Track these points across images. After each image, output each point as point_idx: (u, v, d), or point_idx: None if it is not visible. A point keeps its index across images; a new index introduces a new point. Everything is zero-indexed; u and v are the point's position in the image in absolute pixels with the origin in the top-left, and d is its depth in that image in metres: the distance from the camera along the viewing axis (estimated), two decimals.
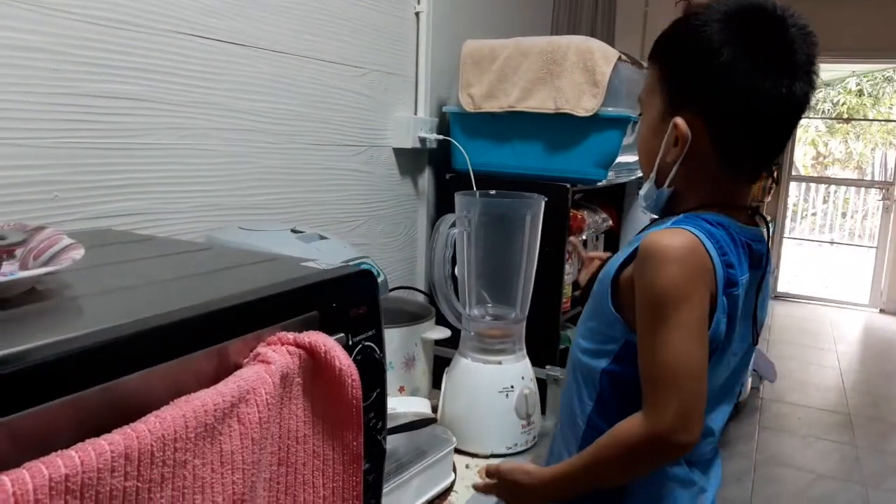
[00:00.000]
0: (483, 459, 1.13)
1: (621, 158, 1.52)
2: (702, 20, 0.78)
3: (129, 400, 0.45)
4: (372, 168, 1.55)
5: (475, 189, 1.54)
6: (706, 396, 0.75)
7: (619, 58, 1.47)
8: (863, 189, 8.50)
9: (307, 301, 0.60)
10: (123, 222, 0.98)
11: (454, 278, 1.16)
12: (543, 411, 1.24)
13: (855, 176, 10.58)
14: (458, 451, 1.11)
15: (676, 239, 0.75)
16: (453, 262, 1.15)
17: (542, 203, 1.16)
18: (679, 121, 0.80)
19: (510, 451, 1.15)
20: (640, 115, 0.91)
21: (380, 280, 1.00)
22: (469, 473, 1.10)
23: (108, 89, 0.95)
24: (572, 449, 0.87)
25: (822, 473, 2.84)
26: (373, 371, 0.66)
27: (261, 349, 0.53)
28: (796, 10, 0.79)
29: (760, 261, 0.83)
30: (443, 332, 1.23)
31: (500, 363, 1.15)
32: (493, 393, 1.13)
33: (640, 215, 1.97)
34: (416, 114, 1.66)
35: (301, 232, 1.00)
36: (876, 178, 9.78)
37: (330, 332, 0.61)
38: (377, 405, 0.68)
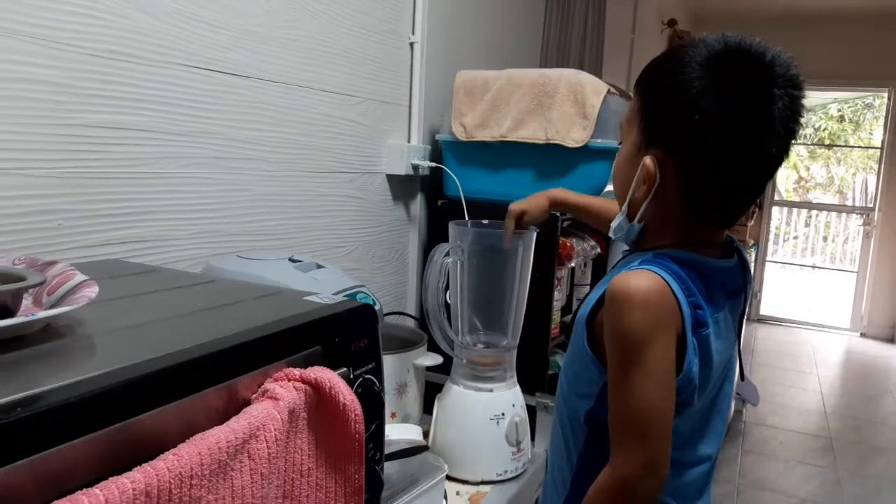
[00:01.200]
0: (473, 486, 1.15)
1: (609, 188, 1.56)
2: (685, 60, 0.77)
3: (144, 437, 0.46)
4: (366, 194, 1.57)
5: (467, 216, 1.57)
6: (670, 439, 0.75)
7: (609, 91, 1.52)
8: (844, 214, 8.64)
9: (311, 336, 0.62)
10: (125, 250, 0.99)
11: (447, 306, 1.18)
12: (533, 438, 1.26)
13: (836, 200, 10.75)
14: (448, 477, 1.12)
15: (642, 282, 0.75)
16: (446, 289, 1.17)
17: (534, 235, 1.19)
18: (648, 161, 0.79)
19: (500, 478, 1.16)
20: (620, 143, 0.93)
21: (376, 309, 1.03)
22: (460, 501, 1.12)
23: (111, 120, 0.97)
24: (562, 490, 0.89)
25: (803, 498, 2.87)
26: (372, 404, 0.68)
27: (268, 385, 0.55)
28: (784, 53, 0.77)
29: (738, 288, 0.86)
30: (435, 359, 1.25)
31: (491, 391, 1.17)
32: (485, 420, 1.15)
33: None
34: (409, 141, 1.69)
35: (299, 261, 1.02)
36: (856, 203, 9.95)
37: (333, 367, 0.63)
38: (376, 437, 0.70)
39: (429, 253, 1.82)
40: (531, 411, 1.26)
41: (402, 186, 1.70)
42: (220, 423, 0.50)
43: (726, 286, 0.83)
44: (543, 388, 1.58)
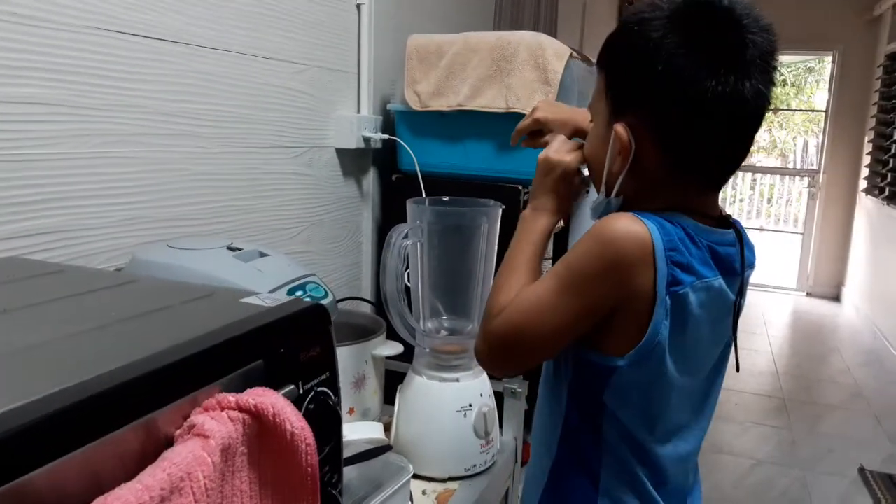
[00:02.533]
0: (440, 483, 1.07)
1: None
2: (646, 17, 0.73)
3: (39, 498, 0.36)
4: (314, 171, 1.45)
5: (424, 192, 1.47)
6: (525, 357, 0.80)
7: (571, 54, 1.43)
8: (787, 176, 8.83)
9: (251, 350, 0.52)
10: (33, 243, 0.86)
11: (407, 291, 1.09)
12: (501, 426, 1.18)
13: (779, 163, 11.00)
14: (414, 476, 1.04)
15: (622, 224, 0.71)
16: (406, 273, 1.08)
17: (499, 210, 1.10)
18: (619, 128, 0.74)
19: (469, 473, 1.09)
20: (591, 122, 0.86)
21: (328, 301, 0.93)
22: (426, 500, 1.04)
23: (13, 94, 0.83)
24: (546, 461, 0.83)
25: (760, 459, 2.90)
26: (327, 421, 0.59)
27: (196, 418, 0.44)
28: (750, 2, 0.73)
29: (734, 266, 0.79)
30: (395, 348, 1.16)
31: (457, 380, 1.09)
32: (451, 413, 1.07)
33: (589, 212, 1.95)
34: (359, 112, 1.58)
35: (238, 249, 0.91)
36: (798, 165, 10.18)
37: (278, 384, 0.53)
38: (332, 458, 0.61)
39: (384, 232, 1.72)
40: (498, 399, 1.18)
41: (352, 161, 1.58)
42: (138, 470, 0.40)
43: (720, 257, 0.76)
44: None
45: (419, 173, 1.49)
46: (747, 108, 0.72)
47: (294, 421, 0.48)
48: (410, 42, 1.51)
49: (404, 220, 1.65)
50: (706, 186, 0.79)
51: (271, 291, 0.85)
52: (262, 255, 0.93)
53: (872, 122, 4.96)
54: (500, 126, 1.44)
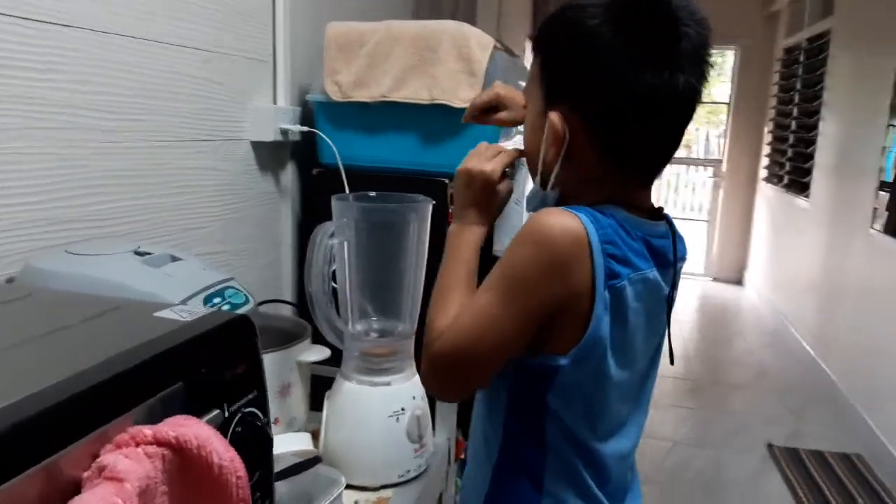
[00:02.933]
0: (373, 493, 1.03)
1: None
2: (583, 4, 0.72)
3: None
4: (228, 165, 1.37)
5: (347, 186, 1.41)
6: (471, 376, 0.75)
7: (495, 45, 1.40)
8: (692, 166, 9.21)
9: (168, 372, 0.46)
10: None
11: (333, 292, 1.03)
12: (433, 428, 1.15)
13: (683, 153, 11.46)
14: (346, 486, 0.99)
15: (556, 220, 0.69)
16: (332, 274, 1.02)
17: (429, 206, 1.06)
18: (553, 115, 0.73)
19: (403, 479, 1.05)
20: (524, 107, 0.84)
21: (249, 307, 0.87)
22: None
23: None
24: (486, 471, 0.80)
25: (677, 441, 3.01)
26: (257, 444, 0.53)
27: (107, 458, 0.38)
28: None
29: (667, 258, 0.79)
30: (321, 353, 1.10)
31: (388, 384, 1.04)
32: (383, 418, 1.03)
33: (513, 207, 1.94)
34: (275, 103, 1.50)
35: (147, 253, 0.83)
36: (702, 155, 10.66)
37: (200, 409, 0.48)
38: (263, 483, 0.55)
39: (305, 229, 1.66)
40: (431, 399, 1.14)
41: (269, 154, 1.50)
42: None
43: (654, 249, 0.75)
44: None
45: (341, 167, 1.43)
46: (680, 101, 0.72)
47: (222, 452, 0.43)
48: (329, 30, 1.44)
49: (325, 216, 1.58)
50: (639, 179, 0.78)
51: (186, 300, 0.78)
52: (174, 259, 0.86)
53: (772, 114, 5.23)
54: (425, 118, 1.41)
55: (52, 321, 0.51)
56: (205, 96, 1.28)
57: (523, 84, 1.58)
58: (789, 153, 4.73)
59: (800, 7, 4.73)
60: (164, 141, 1.18)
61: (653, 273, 0.75)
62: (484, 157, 0.85)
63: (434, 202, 1.06)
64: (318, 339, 1.13)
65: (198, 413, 0.47)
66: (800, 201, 4.35)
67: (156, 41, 1.12)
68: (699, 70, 0.72)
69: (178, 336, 0.48)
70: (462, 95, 1.36)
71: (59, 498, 0.37)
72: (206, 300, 0.80)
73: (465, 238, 0.83)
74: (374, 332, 1.10)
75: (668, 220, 0.82)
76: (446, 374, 0.75)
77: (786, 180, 4.75)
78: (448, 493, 1.23)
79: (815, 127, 4.17)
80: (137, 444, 0.40)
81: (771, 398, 3.46)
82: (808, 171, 4.22)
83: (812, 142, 4.20)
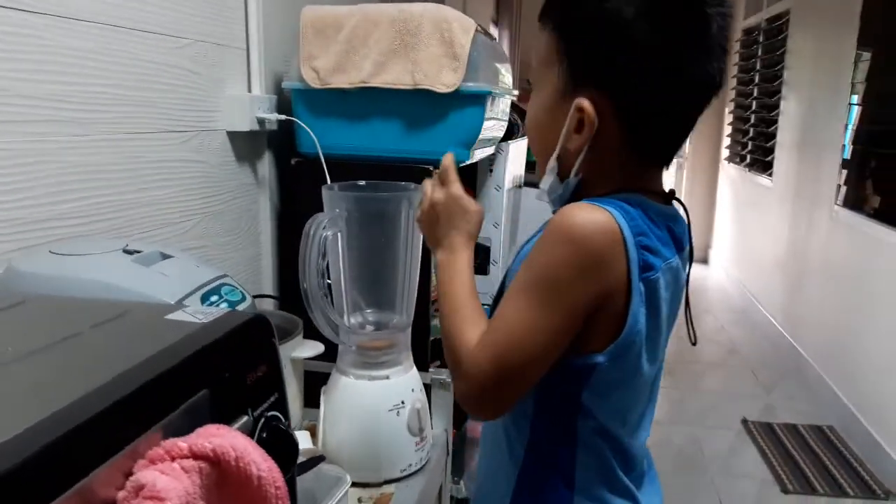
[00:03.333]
0: (376, 489, 1.00)
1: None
2: None
3: None
4: (205, 157, 1.32)
5: (328, 175, 1.37)
6: (519, 385, 0.69)
7: (477, 28, 1.37)
8: None
9: (193, 379, 0.43)
10: None
11: (328, 286, 1.00)
12: (430, 420, 1.13)
13: None
14: None
15: (588, 217, 0.67)
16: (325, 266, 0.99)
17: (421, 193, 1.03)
18: (585, 104, 0.70)
19: (405, 474, 1.03)
20: (528, 84, 0.81)
21: (246, 304, 0.83)
22: None
23: None
24: (505, 489, 0.77)
25: (656, 420, 3.03)
26: (283, 449, 0.50)
27: (144, 475, 0.35)
28: None
29: (683, 242, 0.78)
30: (316, 348, 1.07)
31: (387, 377, 1.02)
32: (383, 412, 1.00)
33: (494, 193, 1.92)
34: (250, 91, 1.45)
35: (137, 252, 0.79)
36: None
37: (227, 416, 0.45)
38: (289, 489, 0.52)
39: (285, 220, 1.61)
40: (426, 390, 1.12)
41: (246, 144, 1.45)
42: None
43: (675, 235, 0.74)
44: (426, 358, 1.46)
45: (322, 156, 1.39)
46: (712, 87, 0.71)
47: (260, 463, 0.40)
48: (305, 14, 1.39)
49: (306, 207, 1.53)
50: (658, 163, 0.77)
51: (182, 299, 0.74)
52: (165, 256, 0.82)
53: (732, 94, 5.31)
54: (408, 103, 1.37)
55: (58, 329, 0.47)
56: (178, 85, 1.22)
57: (499, 65, 1.56)
58: (751, 133, 4.80)
59: None
60: (138, 133, 1.13)
61: (675, 260, 0.74)
62: (438, 188, 0.84)
63: None
64: (310, 334, 1.10)
65: (224, 420, 0.44)
66: (763, 180, 4.43)
67: (123, 27, 1.06)
68: (726, 55, 0.71)
69: (199, 340, 0.45)
70: (445, 80, 1.33)
71: None
72: (203, 298, 0.76)
73: (457, 263, 0.80)
74: (369, 325, 1.07)
75: (681, 203, 0.81)
76: (491, 392, 0.69)
77: (748, 160, 4.83)
78: (447, 485, 1.21)
79: (776, 106, 4.24)
80: (173, 459, 0.37)
81: (743, 374, 3.53)
82: (771, 150, 4.29)
83: (773, 121, 4.27)
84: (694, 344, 0.83)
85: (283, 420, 0.52)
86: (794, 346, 3.63)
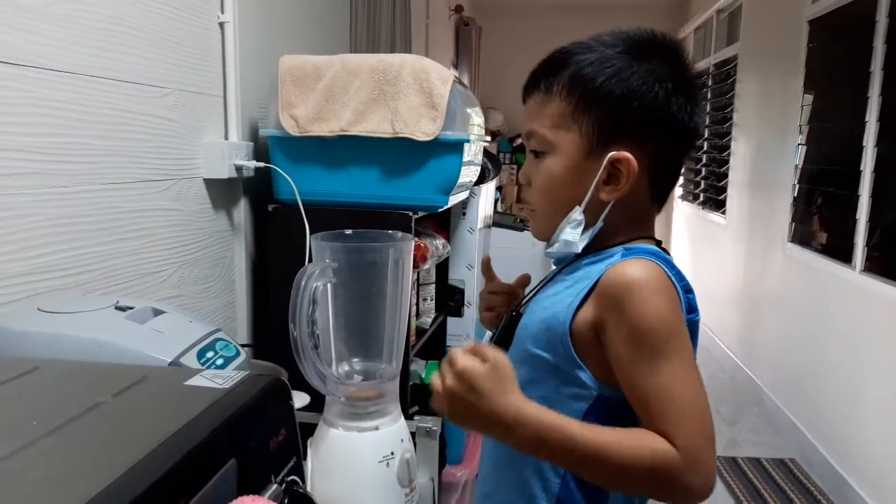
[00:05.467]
0: None
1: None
2: (616, 51, 0.76)
3: None
4: (182, 205, 1.31)
5: (307, 223, 1.37)
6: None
7: (454, 78, 1.40)
8: None
9: (222, 450, 0.42)
10: None
11: (314, 335, 0.99)
12: None
13: None
14: None
15: (646, 270, 0.70)
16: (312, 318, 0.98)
17: (411, 243, 1.04)
18: (626, 156, 0.74)
19: None
20: (531, 151, 0.81)
21: (241, 360, 0.82)
22: None
23: None
24: (552, 487, 0.76)
25: None
26: None
27: None
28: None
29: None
30: (302, 399, 1.06)
31: (376, 428, 1.01)
32: (373, 464, 0.99)
33: (468, 236, 1.94)
34: (227, 139, 1.44)
35: (129, 308, 0.78)
36: None
37: (255, 485, 0.44)
38: None
39: (259, 268, 1.60)
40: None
41: (223, 191, 1.45)
42: None
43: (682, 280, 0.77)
44: (407, 404, 1.46)
45: (300, 203, 1.39)
46: (700, 135, 0.81)
47: None
48: (283, 63, 1.41)
49: (282, 253, 1.54)
50: (657, 209, 0.82)
51: (179, 356, 0.73)
52: (157, 312, 0.81)
53: None
54: (387, 151, 1.39)
55: (79, 399, 0.46)
56: (158, 134, 1.22)
57: (470, 110, 1.59)
58: (703, 172, 4.97)
59: (706, 34, 5.01)
60: (116, 183, 1.11)
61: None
62: (448, 377, 0.65)
63: (415, 238, 1.04)
64: (293, 384, 1.08)
65: (251, 489, 0.43)
66: (716, 217, 4.57)
67: (100, 77, 1.05)
68: (702, 103, 0.79)
69: (225, 409, 0.45)
70: (424, 128, 1.35)
71: None
72: (200, 355, 0.75)
73: (548, 428, 0.64)
74: (356, 375, 1.06)
75: (664, 250, 0.84)
76: (709, 465, 0.64)
77: (701, 198, 4.98)
78: None
79: (727, 147, 4.41)
80: None
81: None
82: (723, 189, 4.44)
83: (725, 161, 4.43)
84: None
85: (301, 483, 0.52)
86: (752, 379, 3.71)
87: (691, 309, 0.73)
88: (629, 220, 0.78)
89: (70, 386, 0.49)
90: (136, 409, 0.45)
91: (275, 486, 0.45)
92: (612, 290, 0.69)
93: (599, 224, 0.77)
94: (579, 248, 0.77)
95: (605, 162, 0.74)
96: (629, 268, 0.70)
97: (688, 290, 0.73)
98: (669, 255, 0.81)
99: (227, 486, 0.42)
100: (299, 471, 0.52)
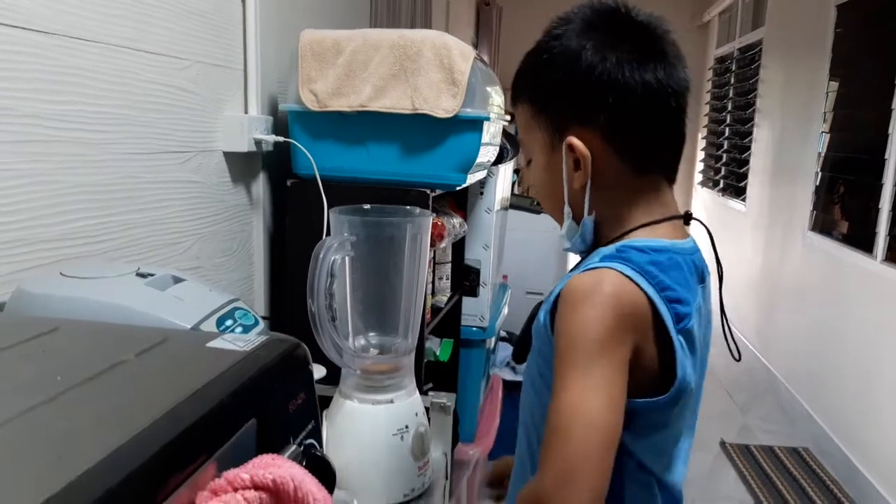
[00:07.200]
0: None
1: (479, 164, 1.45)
2: (559, 32, 0.75)
3: None
4: (202, 177, 1.31)
5: (325, 198, 1.37)
6: (603, 455, 0.62)
7: (476, 55, 1.39)
8: None
9: (243, 409, 0.43)
10: None
11: (331, 308, 1.00)
12: None
13: None
14: None
15: (598, 279, 0.67)
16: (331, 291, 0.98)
17: (429, 219, 1.04)
18: (572, 139, 0.74)
19: (408, 498, 1.02)
20: (528, 162, 0.84)
21: (260, 328, 0.83)
22: None
23: None
24: None
25: None
26: (321, 477, 0.50)
27: None
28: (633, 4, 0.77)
29: (704, 272, 0.79)
30: (319, 372, 1.06)
31: (391, 402, 1.02)
32: (387, 437, 1.00)
33: (485, 216, 1.93)
34: (246, 112, 1.45)
35: (150, 275, 0.78)
36: None
37: (274, 445, 0.45)
38: None
39: (277, 242, 1.60)
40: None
41: (242, 165, 1.45)
42: None
43: (696, 268, 0.76)
44: (421, 381, 1.46)
45: (319, 179, 1.39)
46: (674, 92, 0.74)
47: (316, 493, 0.40)
48: (304, 37, 1.40)
49: (299, 228, 1.54)
50: (664, 178, 0.79)
51: (198, 323, 0.73)
52: (177, 280, 0.81)
53: (705, 121, 5.43)
54: (407, 128, 1.39)
55: (102, 357, 0.46)
56: (179, 106, 1.22)
57: (490, 88, 1.58)
58: (724, 158, 4.91)
59: (730, 18, 4.93)
60: (139, 153, 1.12)
61: (699, 297, 0.76)
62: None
63: (433, 214, 1.04)
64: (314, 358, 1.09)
65: (270, 450, 0.44)
66: (736, 204, 4.53)
67: (124, 47, 1.06)
68: (682, 62, 0.75)
69: (247, 370, 0.45)
70: (444, 105, 1.34)
71: None
72: (219, 323, 0.75)
73: None
74: (372, 349, 1.07)
75: (700, 222, 0.82)
76: (587, 484, 0.61)
77: (721, 185, 4.93)
78: None
79: (749, 133, 4.35)
80: (235, 490, 0.37)
81: (720, 397, 3.57)
82: (744, 176, 4.39)
83: (747, 147, 4.38)
84: (738, 360, 0.84)
85: (319, 448, 0.52)
86: (768, 367, 3.70)
87: (680, 317, 0.69)
88: (619, 206, 0.76)
89: (92, 345, 0.50)
90: (158, 368, 0.46)
91: (294, 447, 0.45)
92: (563, 295, 0.69)
93: (589, 217, 0.76)
94: (568, 243, 0.78)
95: (563, 152, 0.74)
96: (579, 278, 0.69)
97: (676, 299, 0.69)
98: (691, 240, 0.79)
99: (247, 445, 0.42)
100: (318, 435, 0.52)
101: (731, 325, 0.84)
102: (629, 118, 0.73)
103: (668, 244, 0.74)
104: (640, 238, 0.74)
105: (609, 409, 0.63)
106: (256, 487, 0.38)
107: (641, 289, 0.67)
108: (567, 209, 0.78)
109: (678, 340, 0.68)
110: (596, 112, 0.73)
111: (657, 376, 0.69)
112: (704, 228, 0.80)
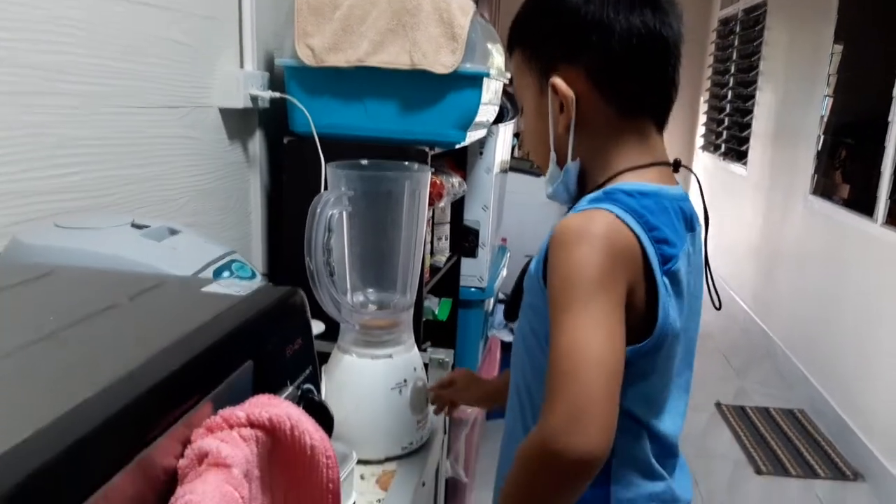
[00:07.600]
0: (378, 465, 1.01)
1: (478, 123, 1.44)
2: None
3: None
4: (199, 133, 1.30)
5: (322, 155, 1.36)
6: (610, 392, 0.61)
7: (475, 10, 1.37)
8: None
9: (239, 350, 0.43)
10: None
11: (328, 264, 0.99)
12: None
13: None
14: None
15: (589, 219, 0.67)
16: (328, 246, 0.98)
17: (428, 174, 1.03)
18: (556, 80, 0.73)
19: (406, 452, 1.03)
20: (521, 111, 0.84)
21: (257, 281, 0.83)
22: (366, 486, 0.98)
23: None
24: None
25: None
26: (318, 421, 0.50)
27: (205, 443, 0.35)
28: None
29: (693, 220, 0.79)
30: (318, 327, 1.06)
31: (390, 356, 1.02)
32: (386, 391, 1.00)
33: (484, 176, 1.92)
34: (242, 67, 1.42)
35: (145, 226, 0.78)
36: None
37: (271, 387, 0.45)
38: None
39: (274, 200, 1.60)
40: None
41: (238, 122, 1.43)
42: None
43: (686, 215, 0.75)
44: (420, 338, 1.47)
45: (316, 135, 1.38)
46: (664, 39, 0.73)
47: (312, 432, 0.40)
48: None
49: (296, 186, 1.53)
50: (652, 123, 0.77)
51: (195, 274, 0.73)
52: (173, 231, 0.81)
53: (708, 84, 5.37)
54: (405, 84, 1.36)
55: (96, 300, 0.46)
56: (174, 59, 1.20)
57: (491, 46, 1.55)
58: (726, 122, 4.87)
59: None
60: (136, 107, 1.10)
61: (687, 242, 0.75)
62: None
63: (432, 169, 1.03)
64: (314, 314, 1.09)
65: (270, 392, 0.44)
66: (737, 168, 4.50)
67: None
68: (675, 11, 0.74)
69: (243, 312, 0.45)
70: (443, 60, 1.32)
71: (154, 489, 0.34)
72: (215, 274, 0.75)
73: None
74: (371, 305, 1.07)
75: (688, 169, 0.82)
76: (597, 422, 0.60)
77: (723, 148, 4.89)
78: (444, 464, 1.22)
79: (752, 96, 4.30)
80: (231, 427, 0.37)
81: (717, 359, 3.60)
82: (746, 140, 4.36)
83: (749, 111, 4.33)
84: (718, 308, 0.84)
85: (317, 392, 0.52)
86: (765, 331, 3.72)
87: (667, 258, 0.68)
88: (604, 150, 0.75)
89: (86, 289, 0.50)
90: (153, 311, 0.46)
91: (291, 389, 0.45)
92: (553, 239, 0.68)
93: (573, 163, 0.75)
94: (550, 189, 0.78)
95: (548, 93, 0.74)
96: (570, 220, 0.68)
97: (664, 240, 0.68)
98: (679, 188, 0.78)
99: (243, 387, 0.42)
100: (315, 381, 0.52)
101: (713, 274, 0.83)
102: (614, 59, 0.72)
103: (656, 188, 0.73)
104: (626, 182, 0.73)
105: (612, 346, 0.63)
106: (252, 425, 0.38)
107: (630, 228, 0.67)
108: (553, 155, 0.77)
109: (663, 282, 0.68)
110: (580, 52, 0.73)
111: (644, 319, 0.68)
112: (694, 176, 0.80)
